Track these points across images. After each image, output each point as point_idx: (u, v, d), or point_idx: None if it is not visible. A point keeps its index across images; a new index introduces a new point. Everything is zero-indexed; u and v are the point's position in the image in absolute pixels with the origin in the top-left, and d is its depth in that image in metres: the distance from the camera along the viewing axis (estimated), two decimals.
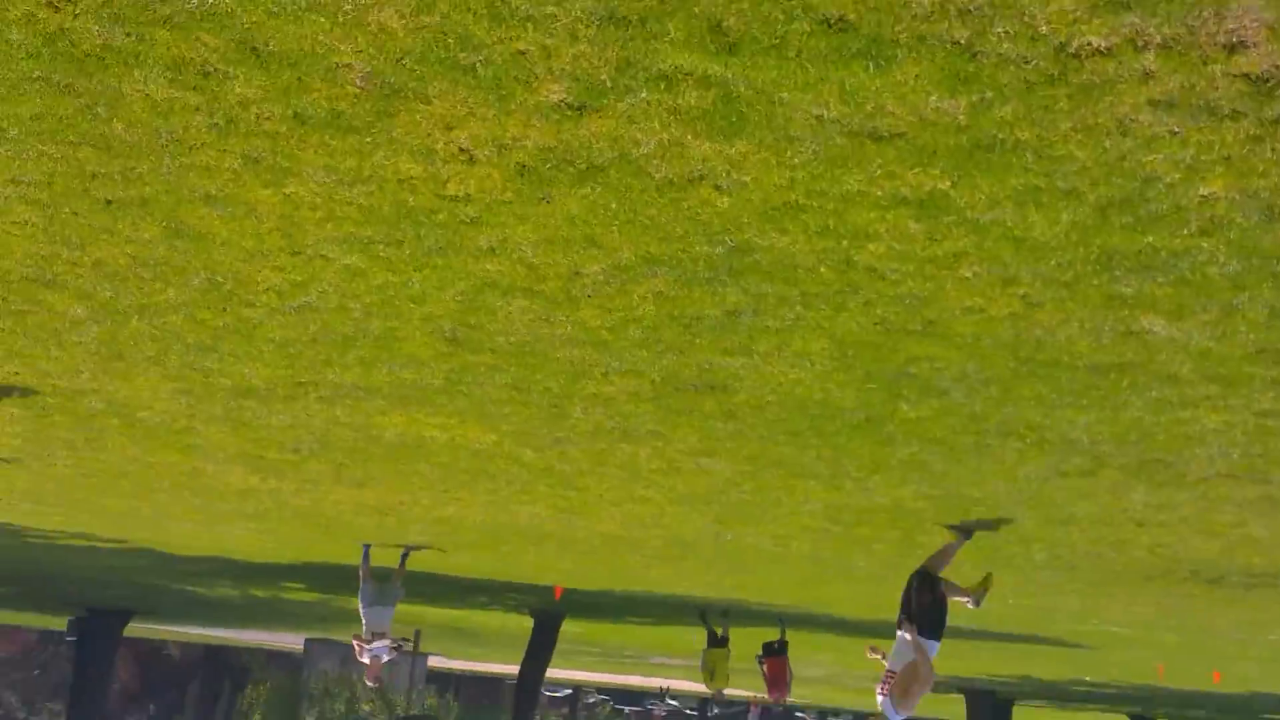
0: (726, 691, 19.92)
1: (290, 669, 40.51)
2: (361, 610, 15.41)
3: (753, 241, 5.67)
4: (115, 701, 54.48)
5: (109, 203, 5.88)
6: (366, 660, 15.36)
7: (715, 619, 19.84)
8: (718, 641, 19.27)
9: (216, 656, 64.92)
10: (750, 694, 19.85)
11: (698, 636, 23.80)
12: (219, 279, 6.80)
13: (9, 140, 5.28)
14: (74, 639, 48.21)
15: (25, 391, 9.51)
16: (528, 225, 5.79)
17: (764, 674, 18.77)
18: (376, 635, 15.20)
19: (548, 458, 10.14)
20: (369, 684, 16.43)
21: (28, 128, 5.16)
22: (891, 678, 10.08)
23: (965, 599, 10.67)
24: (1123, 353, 6.52)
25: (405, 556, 16.01)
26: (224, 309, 7.26)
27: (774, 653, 18.51)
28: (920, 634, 10.12)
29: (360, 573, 15.73)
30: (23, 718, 60.14)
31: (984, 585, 10.74)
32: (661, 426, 8.84)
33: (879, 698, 10.14)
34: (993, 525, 10.89)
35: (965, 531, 10.95)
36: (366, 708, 28.91)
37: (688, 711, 77.86)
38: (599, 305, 6.67)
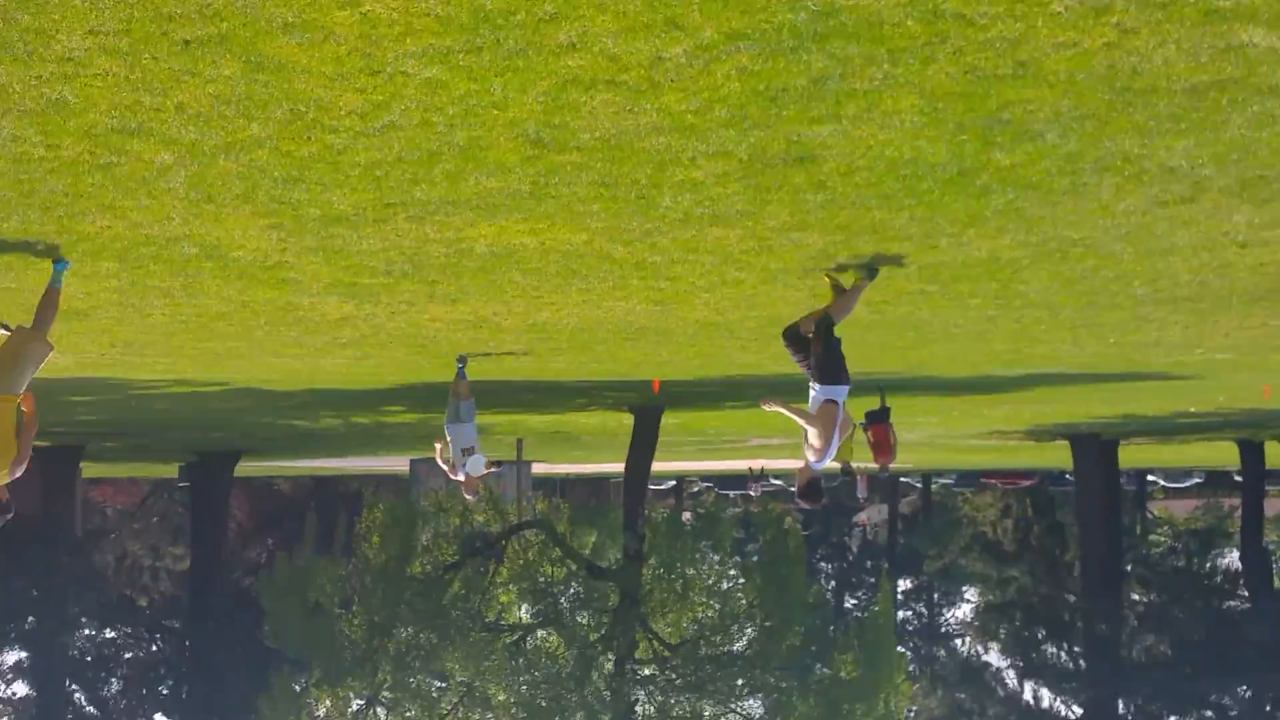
0: (827, 465, 20.12)
1: (399, 490, 41.53)
2: (446, 428, 15.62)
3: (837, 3, 5.58)
4: (234, 539, 56.16)
5: (187, 43, 5.86)
6: (460, 478, 15.60)
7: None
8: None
9: (326, 486, 66.57)
10: (855, 464, 20.03)
11: None
12: (301, 108, 6.79)
13: None
14: (186, 484, 49.60)
15: (119, 244, 9.62)
16: (607, 15, 5.72)
17: (869, 441, 18.93)
18: (466, 451, 15.40)
19: (638, 251, 10.15)
20: (467, 498, 16.70)
21: None
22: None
23: (850, 296, 10.62)
24: (1221, 69, 6.38)
25: (463, 365, 16.04)
26: (308, 138, 7.26)
27: (877, 419, 18.62)
28: (821, 382, 10.18)
29: (451, 389, 15.92)
30: (148, 564, 62.01)
31: (855, 280, 10.64)
32: (751, 205, 8.81)
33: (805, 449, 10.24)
34: (898, 261, 10.63)
35: (870, 271, 10.77)
36: (480, 519, 29.55)
37: (790, 489, 79.13)
38: (682, 89, 6.61)
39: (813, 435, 10.04)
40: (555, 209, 8.86)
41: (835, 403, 10.11)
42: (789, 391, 21.70)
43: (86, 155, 7.38)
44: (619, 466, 30.40)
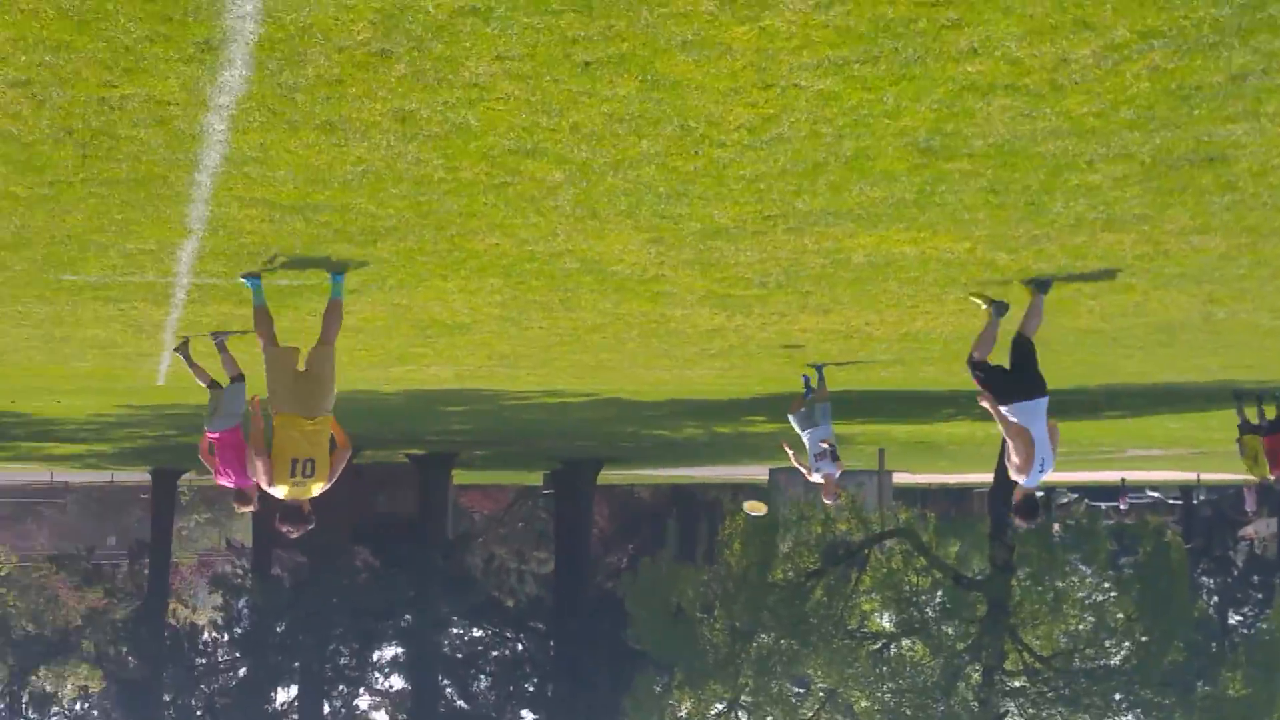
0: (1208, 476, 19.29)
1: (758, 498, 41.67)
2: (801, 433, 15.50)
3: None
4: (595, 544, 57.50)
5: (588, 64, 5.93)
6: (819, 479, 15.44)
7: (1249, 402, 19.03)
8: (1251, 427, 18.50)
9: (685, 494, 67.44)
10: (1244, 477, 19.06)
11: (1179, 424, 22.89)
12: (691, 124, 6.79)
13: (496, 18, 5.38)
14: (550, 491, 51.06)
15: (505, 260, 9.86)
16: (1012, 18, 5.51)
17: (1264, 450, 18.00)
18: (818, 456, 15.24)
19: (1022, 259, 9.83)
20: (826, 502, 16.55)
21: (514, 2, 5.23)
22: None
23: (1031, 322, 10.42)
24: None
25: (821, 370, 15.86)
26: (695, 153, 7.28)
27: (1275, 428, 17.69)
28: (1004, 402, 10.10)
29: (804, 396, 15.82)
30: (514, 566, 64.07)
31: (1033, 289, 10.42)
32: (1149, 209, 8.40)
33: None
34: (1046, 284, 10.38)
35: (999, 308, 10.71)
36: (843, 528, 29.36)
37: (1170, 501, 75.61)
38: (1086, 91, 6.33)
39: (1011, 450, 10.03)
40: (939, 217, 8.65)
41: (1018, 425, 10.04)
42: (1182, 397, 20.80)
43: (483, 176, 7.58)
44: (983, 477, 29.66)
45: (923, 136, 7.02)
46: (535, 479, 57.13)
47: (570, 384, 19.14)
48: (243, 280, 10.07)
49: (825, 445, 15.02)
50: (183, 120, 6.50)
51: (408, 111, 6.49)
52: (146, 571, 50.80)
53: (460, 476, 51.02)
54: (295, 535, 9.69)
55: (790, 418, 15.60)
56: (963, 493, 73.63)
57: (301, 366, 9.69)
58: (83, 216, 8.27)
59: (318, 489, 9.42)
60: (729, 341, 14.17)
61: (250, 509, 11.29)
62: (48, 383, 18.15)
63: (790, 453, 15.85)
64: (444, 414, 25.15)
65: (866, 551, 28.67)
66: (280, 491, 9.35)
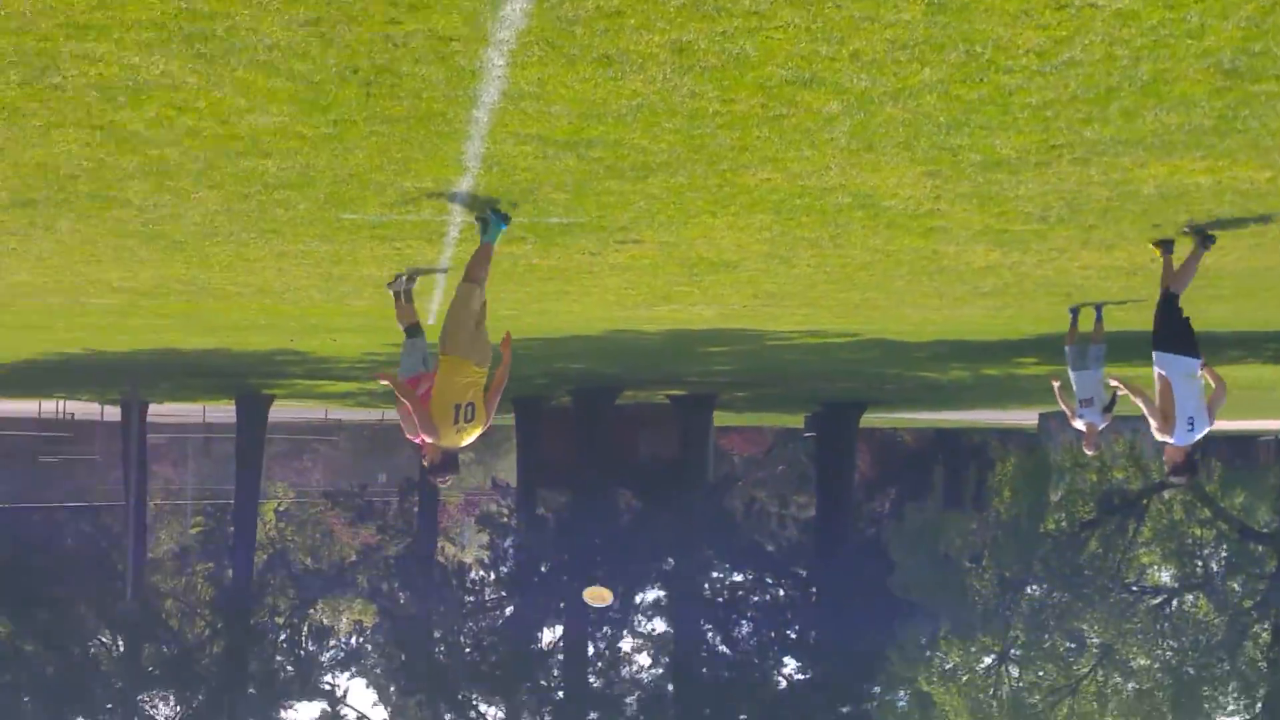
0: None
1: (1026, 445, 40.80)
2: (1071, 375, 14.98)
3: None
4: (858, 490, 57.14)
5: None
6: (1081, 427, 14.88)
7: None
8: None
9: (950, 439, 66.51)
10: None
11: None
12: (978, 49, 6.52)
13: None
14: (811, 434, 50.85)
15: (776, 195, 9.71)
16: None
17: None
18: (1084, 402, 14.68)
19: None
20: (1087, 452, 15.99)
21: None
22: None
23: (1194, 262, 10.66)
24: None
25: (1100, 310, 15.21)
26: (980, 80, 6.99)
27: None
28: (1163, 350, 10.29)
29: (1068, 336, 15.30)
30: (775, 511, 64.21)
31: (1197, 238, 10.46)
32: None
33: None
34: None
35: (1202, 238, 10.45)
36: (1119, 476, 28.45)
37: None
38: None
39: (1146, 412, 10.18)
40: (1239, 145, 8.18)
41: (1162, 375, 10.29)
42: None
43: (758, 108, 7.43)
44: (1271, 424, 28.32)
45: (1227, 57, 6.61)
46: (796, 421, 56.99)
47: (834, 324, 18.92)
48: (492, 216, 9.75)
49: (1116, 390, 14.53)
50: (463, 56, 6.52)
51: (685, 43, 6.38)
52: (416, 509, 52.35)
53: (721, 418, 51.19)
54: (445, 483, 9.32)
55: (1066, 350, 15.14)
56: (1247, 440, 70.75)
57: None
58: (364, 155, 8.41)
59: (474, 435, 8.99)
60: (1003, 279, 13.78)
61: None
62: (324, 320, 18.73)
63: (1056, 387, 15.34)
64: (706, 354, 25.18)
65: (1145, 501, 27.74)
66: (442, 438, 8.89)
